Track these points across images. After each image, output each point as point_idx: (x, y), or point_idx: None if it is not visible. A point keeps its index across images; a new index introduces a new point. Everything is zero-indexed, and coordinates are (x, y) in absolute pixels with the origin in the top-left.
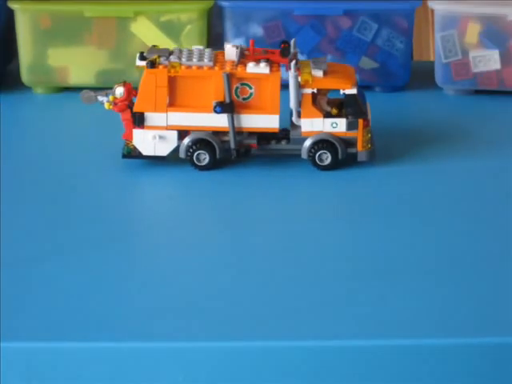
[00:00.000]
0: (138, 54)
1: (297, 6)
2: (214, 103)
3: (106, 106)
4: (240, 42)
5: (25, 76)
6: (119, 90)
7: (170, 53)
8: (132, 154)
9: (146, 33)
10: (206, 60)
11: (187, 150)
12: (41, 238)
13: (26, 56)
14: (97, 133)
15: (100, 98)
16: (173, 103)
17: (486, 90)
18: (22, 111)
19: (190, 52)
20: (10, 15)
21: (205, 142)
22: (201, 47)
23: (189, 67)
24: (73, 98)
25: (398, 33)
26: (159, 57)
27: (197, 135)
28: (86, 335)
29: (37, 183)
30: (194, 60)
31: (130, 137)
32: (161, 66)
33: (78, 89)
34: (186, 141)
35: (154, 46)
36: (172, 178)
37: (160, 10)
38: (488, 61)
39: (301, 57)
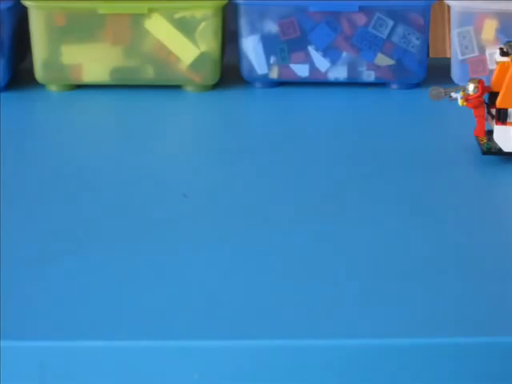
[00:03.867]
0: (498, 51)
1: (312, 2)
2: None
3: (460, 102)
4: (255, 38)
5: (39, 73)
6: (472, 86)
7: None
8: (492, 150)
9: (160, 30)
10: None
11: None
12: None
13: (40, 53)
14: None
15: (453, 95)
16: None
17: None
18: (37, 109)
19: None
20: (23, 12)
21: None
22: None
23: None
24: (87, 95)
25: (414, 29)
26: None
27: None
28: (99, 334)
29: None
30: None
31: (481, 133)
32: None
33: (91, 86)
34: None
35: (509, 42)
36: None
37: (174, 7)
38: None
39: (316, 54)
